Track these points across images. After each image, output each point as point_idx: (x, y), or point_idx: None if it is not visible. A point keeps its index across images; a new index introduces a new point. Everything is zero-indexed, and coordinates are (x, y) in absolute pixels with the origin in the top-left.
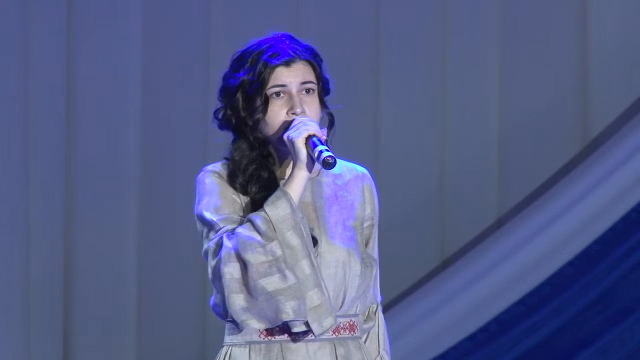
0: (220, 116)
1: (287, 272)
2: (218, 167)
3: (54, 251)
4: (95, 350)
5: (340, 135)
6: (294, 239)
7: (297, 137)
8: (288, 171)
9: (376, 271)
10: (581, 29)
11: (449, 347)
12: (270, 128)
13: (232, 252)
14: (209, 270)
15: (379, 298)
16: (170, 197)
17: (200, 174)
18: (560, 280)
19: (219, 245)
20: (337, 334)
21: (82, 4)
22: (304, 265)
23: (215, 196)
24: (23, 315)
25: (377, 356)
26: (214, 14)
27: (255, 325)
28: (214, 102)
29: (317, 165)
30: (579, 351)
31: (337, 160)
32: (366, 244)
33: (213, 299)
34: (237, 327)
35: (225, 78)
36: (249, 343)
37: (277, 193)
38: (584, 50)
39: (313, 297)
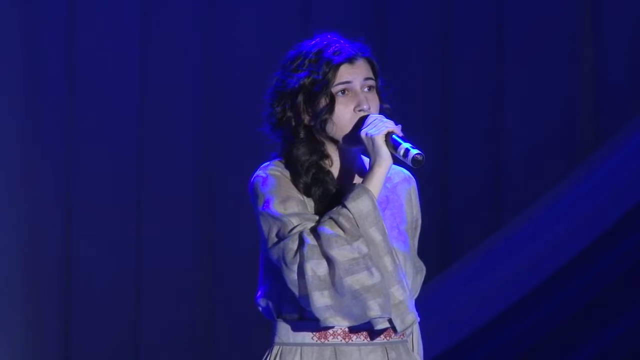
0: (276, 119)
1: (374, 269)
2: (277, 165)
3: (54, 251)
4: (95, 350)
5: None
6: (376, 235)
7: (377, 133)
8: (345, 174)
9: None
10: (587, 34)
11: (449, 347)
12: (338, 127)
13: (316, 248)
14: (285, 269)
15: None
16: (171, 197)
17: (260, 174)
18: (560, 280)
19: (299, 242)
20: (388, 338)
21: (82, 4)
22: (387, 261)
23: (281, 194)
24: (23, 315)
25: None
26: (214, 13)
27: (339, 322)
28: (215, 102)
29: (365, 171)
30: (579, 351)
31: None
32: (414, 247)
33: (261, 294)
34: (290, 326)
35: (281, 80)
36: (301, 345)
37: (358, 190)
38: (589, 58)
39: (396, 294)
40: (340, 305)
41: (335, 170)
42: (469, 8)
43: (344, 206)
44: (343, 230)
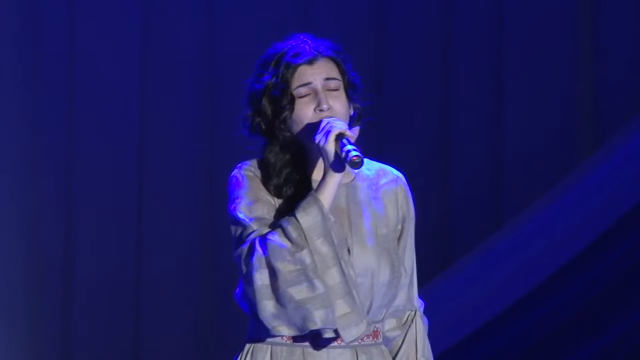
0: (249, 123)
1: (316, 281)
2: (253, 165)
3: (54, 251)
4: (95, 349)
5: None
6: (324, 247)
7: (325, 142)
8: (320, 172)
9: (409, 279)
10: (585, 35)
11: (449, 347)
12: (300, 126)
13: (263, 258)
14: (241, 274)
15: (417, 303)
16: (171, 197)
17: (234, 172)
18: (560, 280)
19: (251, 250)
20: (360, 341)
21: (83, 3)
22: (334, 272)
23: (250, 196)
24: (23, 315)
25: None
26: (215, 12)
27: (285, 332)
28: (215, 101)
29: (350, 169)
30: (580, 351)
31: (373, 163)
32: (406, 248)
33: (239, 291)
34: (262, 325)
35: (251, 84)
36: (271, 344)
37: (309, 199)
38: (589, 57)
39: (343, 305)
40: (285, 315)
41: (307, 167)
42: (468, 8)
43: (294, 215)
44: (290, 241)
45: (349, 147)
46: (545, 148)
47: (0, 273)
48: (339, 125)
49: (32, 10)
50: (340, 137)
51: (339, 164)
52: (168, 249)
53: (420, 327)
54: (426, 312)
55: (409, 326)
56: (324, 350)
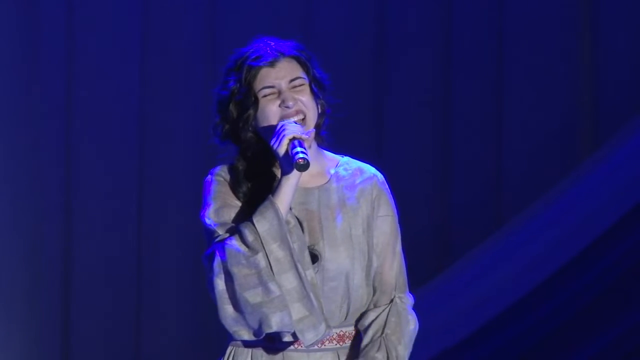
0: (219, 131)
1: (270, 285)
2: (224, 170)
3: (54, 251)
4: (95, 349)
5: (343, 132)
6: (280, 251)
7: (279, 146)
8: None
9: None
10: (585, 36)
11: (449, 347)
12: (265, 124)
13: (222, 263)
14: (207, 279)
15: (395, 293)
16: (171, 196)
17: (207, 177)
18: (560, 280)
19: (213, 255)
20: (341, 343)
21: (82, 3)
22: (290, 276)
23: (218, 201)
24: (23, 315)
25: (378, 337)
26: (218, 11)
27: (245, 336)
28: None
29: (324, 173)
30: (579, 351)
31: (352, 162)
32: (378, 245)
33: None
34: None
35: (218, 92)
36: (252, 347)
37: (266, 203)
38: (589, 58)
39: (300, 309)
40: (243, 320)
41: (277, 167)
42: (469, 9)
43: (251, 220)
44: (246, 245)
45: (298, 149)
46: (546, 148)
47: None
48: (292, 129)
49: (32, 9)
50: (292, 140)
51: (289, 166)
52: (169, 248)
53: (397, 310)
54: (416, 308)
55: (385, 308)
56: (304, 352)
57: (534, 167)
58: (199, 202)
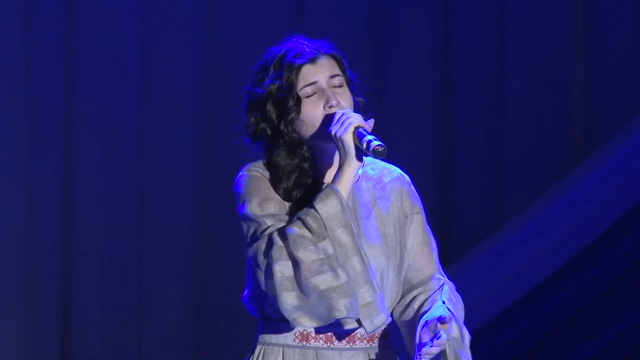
0: (251, 130)
1: (339, 270)
2: (260, 167)
3: (54, 250)
4: (95, 349)
5: None
6: (344, 236)
7: (344, 133)
8: (328, 173)
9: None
10: (584, 36)
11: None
12: (309, 126)
13: (284, 249)
14: (257, 270)
15: (439, 277)
16: (171, 196)
17: (242, 174)
18: (560, 280)
19: (270, 243)
20: (371, 343)
21: (83, 3)
22: (355, 262)
23: (260, 195)
24: (23, 315)
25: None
26: (218, 11)
27: (307, 323)
28: (215, 101)
29: (359, 169)
30: (580, 350)
31: (378, 162)
32: (413, 244)
33: (247, 293)
34: (273, 326)
35: (250, 91)
36: (283, 346)
37: (326, 190)
38: (589, 58)
39: (364, 295)
40: (308, 306)
41: (316, 170)
42: (469, 9)
43: (312, 207)
44: (310, 231)
45: (370, 137)
46: (546, 148)
47: None
48: (355, 117)
49: (32, 9)
50: (356, 128)
51: (358, 155)
52: (169, 248)
53: (447, 290)
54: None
55: (433, 292)
56: (337, 352)
57: (535, 167)
58: (199, 202)
